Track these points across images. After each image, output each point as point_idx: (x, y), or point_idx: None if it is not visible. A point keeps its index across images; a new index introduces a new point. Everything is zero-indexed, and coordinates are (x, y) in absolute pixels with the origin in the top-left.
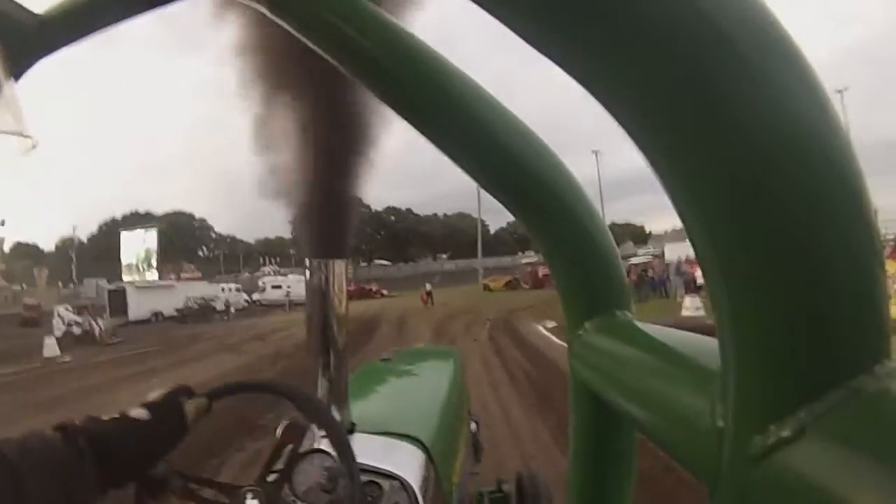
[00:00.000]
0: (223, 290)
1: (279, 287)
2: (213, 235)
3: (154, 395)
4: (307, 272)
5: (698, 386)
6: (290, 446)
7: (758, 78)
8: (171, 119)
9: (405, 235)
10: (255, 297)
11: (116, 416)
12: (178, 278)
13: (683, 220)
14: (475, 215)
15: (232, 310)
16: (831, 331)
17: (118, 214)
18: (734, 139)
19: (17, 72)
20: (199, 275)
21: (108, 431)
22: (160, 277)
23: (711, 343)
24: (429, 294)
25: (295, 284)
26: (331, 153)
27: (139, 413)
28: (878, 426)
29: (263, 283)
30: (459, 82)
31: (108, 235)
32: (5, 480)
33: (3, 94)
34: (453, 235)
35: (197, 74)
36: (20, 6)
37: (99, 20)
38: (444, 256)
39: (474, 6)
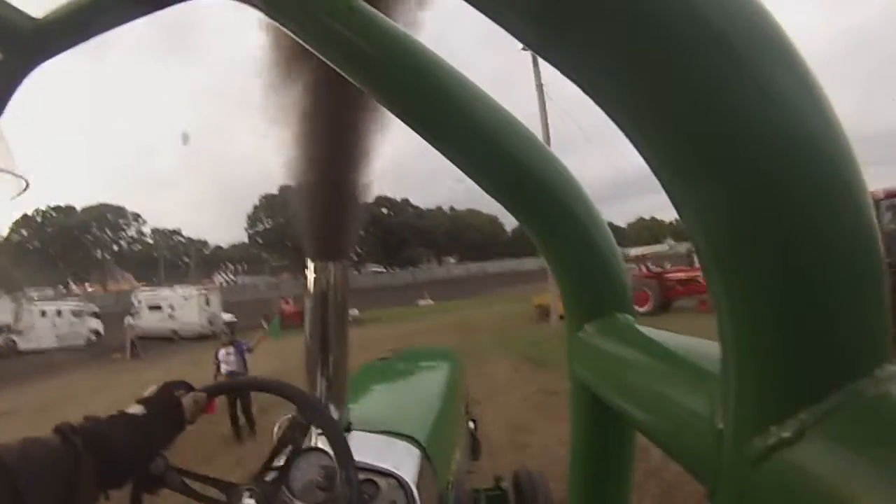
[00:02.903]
0: (43, 313)
1: (158, 308)
2: (183, 239)
3: (150, 390)
4: (308, 273)
5: (698, 387)
6: (287, 445)
7: (755, 78)
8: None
9: (401, 233)
10: (128, 321)
11: (114, 414)
12: (105, 288)
13: (684, 221)
14: (486, 212)
15: None
16: (831, 334)
17: (30, 210)
18: (732, 140)
19: (15, 78)
20: (136, 283)
21: (105, 430)
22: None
23: (711, 346)
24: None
25: (182, 305)
26: (334, 153)
27: (136, 409)
28: (878, 429)
29: (139, 300)
30: (458, 84)
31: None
32: (5, 488)
33: None
34: (462, 234)
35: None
36: (17, 10)
37: (97, 24)
38: (452, 260)
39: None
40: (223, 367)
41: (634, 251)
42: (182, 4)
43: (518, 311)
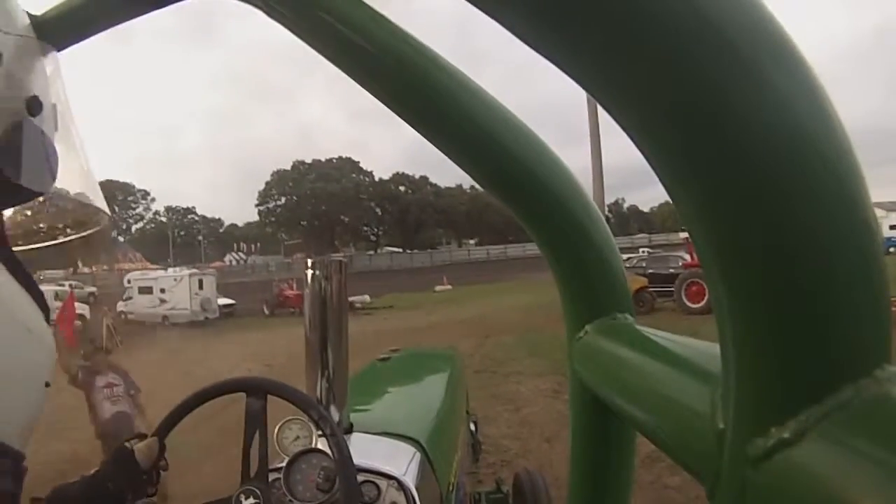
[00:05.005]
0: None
1: (149, 291)
2: (197, 217)
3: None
4: (307, 271)
5: (699, 388)
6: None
7: (757, 77)
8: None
9: (420, 213)
10: (121, 306)
11: (76, 479)
12: (113, 268)
13: (682, 220)
14: None
15: None
16: (832, 333)
17: None
18: (733, 139)
19: None
20: (146, 264)
21: (69, 495)
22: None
23: (712, 346)
24: None
25: (172, 288)
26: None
27: (94, 471)
28: (879, 429)
29: (129, 282)
30: (458, 82)
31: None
32: None
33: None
34: (483, 214)
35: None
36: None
37: (99, 21)
38: (472, 242)
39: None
40: (106, 408)
41: (685, 234)
42: (183, 3)
43: (545, 301)
